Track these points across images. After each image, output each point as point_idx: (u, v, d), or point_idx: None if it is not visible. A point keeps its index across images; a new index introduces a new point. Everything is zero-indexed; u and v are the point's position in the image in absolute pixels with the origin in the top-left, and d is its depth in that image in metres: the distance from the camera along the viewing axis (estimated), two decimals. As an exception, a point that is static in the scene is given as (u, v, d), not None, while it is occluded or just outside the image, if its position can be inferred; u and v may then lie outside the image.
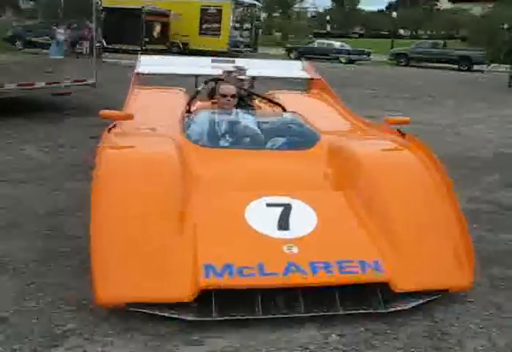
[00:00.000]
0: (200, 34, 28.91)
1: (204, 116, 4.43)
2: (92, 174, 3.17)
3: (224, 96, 4.67)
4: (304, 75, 6.82)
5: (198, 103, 5.43)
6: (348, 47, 32.60)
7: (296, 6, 61.32)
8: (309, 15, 70.19)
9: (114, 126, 4.00)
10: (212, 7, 28.60)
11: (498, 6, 40.86)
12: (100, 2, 10.09)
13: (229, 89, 4.75)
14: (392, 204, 3.32)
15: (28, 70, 8.75)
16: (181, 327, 2.72)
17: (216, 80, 5.41)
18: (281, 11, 58.93)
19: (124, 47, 25.77)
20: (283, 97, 5.97)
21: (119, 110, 4.64)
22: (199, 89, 5.42)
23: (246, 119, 4.40)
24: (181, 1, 28.51)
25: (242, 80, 5.39)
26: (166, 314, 2.70)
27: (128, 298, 2.72)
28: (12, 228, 3.94)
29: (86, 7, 9.83)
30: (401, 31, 67.49)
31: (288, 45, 35.23)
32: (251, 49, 30.78)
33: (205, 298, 2.73)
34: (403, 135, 4.19)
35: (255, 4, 31.59)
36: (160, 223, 2.98)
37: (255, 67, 6.42)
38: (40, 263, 3.38)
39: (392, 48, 36.09)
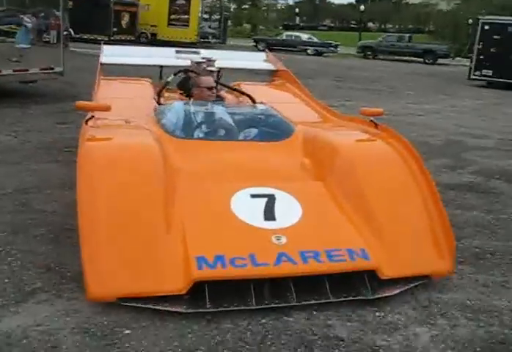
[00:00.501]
0: (169, 24, 29.04)
1: (178, 107, 4.43)
2: (76, 167, 3.25)
3: (210, 88, 4.79)
4: (270, 66, 6.85)
5: (167, 95, 5.47)
6: (315, 39, 33.10)
7: (266, -3, 61.57)
8: (279, 7, 70.53)
9: (91, 117, 3.95)
10: (181, -2, 28.73)
11: (464, 2, 41.81)
12: (67, -8, 10.13)
13: (210, 80, 4.90)
14: (371, 193, 3.39)
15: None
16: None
17: (186, 71, 5.44)
18: (250, 3, 59.07)
19: (92, 37, 25.70)
20: (249, 88, 5.97)
21: (88, 100, 4.65)
22: (169, 80, 5.41)
23: (220, 111, 4.45)
24: (150, -9, 28.57)
25: (211, 71, 5.44)
26: (159, 308, 2.72)
27: (120, 293, 2.73)
28: (-18, 204, 4.19)
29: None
30: (370, 25, 68.33)
31: (256, 37, 35.54)
32: (220, 40, 31.00)
33: (197, 290, 2.77)
34: (376, 125, 4.24)
35: (224, -4, 31.79)
36: (147, 216, 2.99)
37: (220, 58, 6.34)
38: (9, 233, 3.64)
39: (359, 40, 36.70)
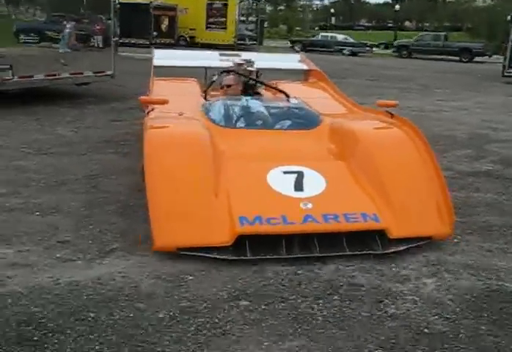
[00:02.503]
0: (207, 27, 29.90)
1: (222, 102, 5.22)
2: (143, 151, 3.92)
3: (230, 85, 5.77)
4: (304, 66, 7.61)
5: (212, 92, 6.26)
6: (350, 40, 33.47)
7: (301, -2, 62.09)
8: (314, 8, 70.96)
9: (152, 110, 4.76)
10: (218, 2, 29.56)
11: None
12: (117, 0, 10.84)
13: (230, 78, 5.87)
14: (384, 169, 4.05)
15: (51, 63, 9.62)
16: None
17: (229, 71, 6.22)
18: (286, 4, 59.70)
19: (133, 41, 26.68)
20: (285, 86, 6.71)
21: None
22: (214, 79, 6.30)
23: (257, 105, 5.19)
24: (187, -5, 29.47)
25: (251, 71, 6.21)
26: (210, 256, 3.43)
27: (180, 244, 3.48)
28: (60, 186, 4.93)
29: (106, 3, 10.73)
30: (407, 23, 68.13)
31: (292, 38, 36.14)
32: (257, 42, 31.69)
33: (240, 243, 3.48)
34: (391, 115, 4.88)
35: (260, -2, 32.49)
36: (201, 186, 3.74)
37: (258, 59, 7.08)
38: (86, 208, 4.37)
39: (395, 40, 36.90)
